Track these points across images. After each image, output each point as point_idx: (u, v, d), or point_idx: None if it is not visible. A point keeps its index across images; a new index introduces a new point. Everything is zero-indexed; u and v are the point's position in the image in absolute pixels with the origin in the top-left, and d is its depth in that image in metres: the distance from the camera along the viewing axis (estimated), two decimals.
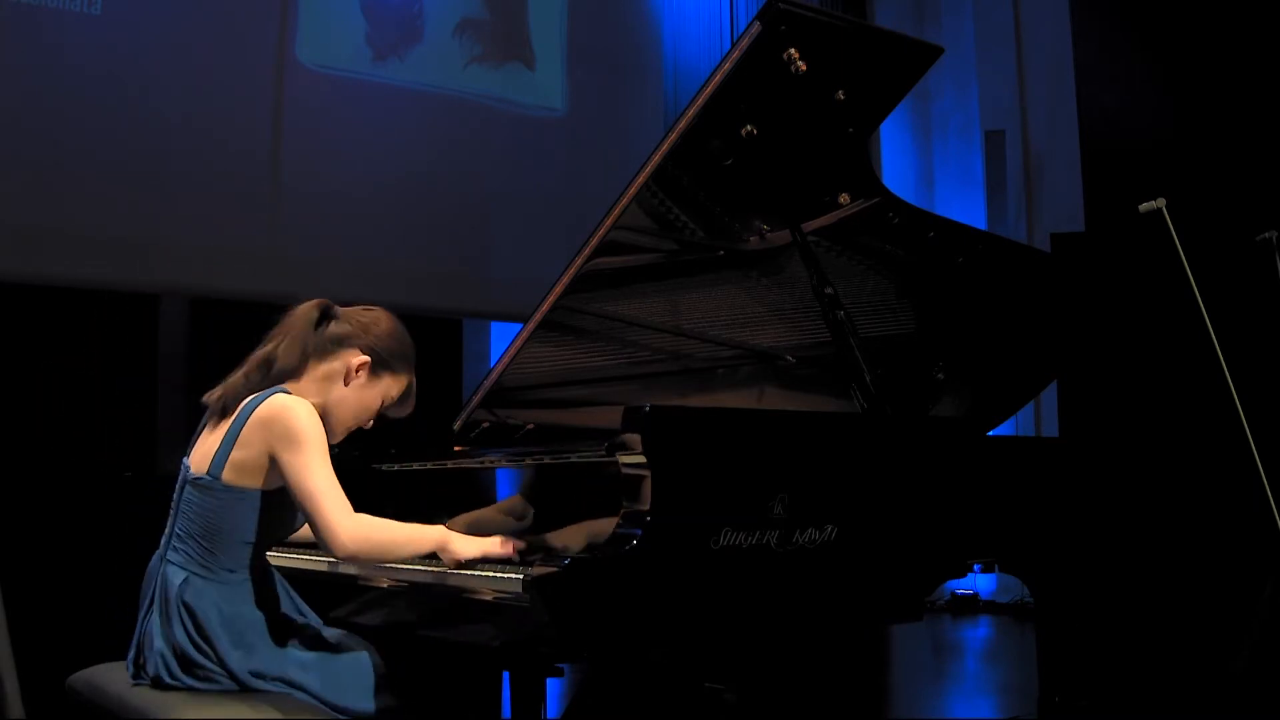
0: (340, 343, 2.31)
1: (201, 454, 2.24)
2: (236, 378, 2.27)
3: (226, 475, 2.18)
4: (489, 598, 2.15)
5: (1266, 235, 3.79)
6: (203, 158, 5.09)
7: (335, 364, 2.31)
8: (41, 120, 4.72)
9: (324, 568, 2.59)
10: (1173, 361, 4.92)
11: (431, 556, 2.27)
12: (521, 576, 2.00)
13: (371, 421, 2.40)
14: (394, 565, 2.40)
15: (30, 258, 4.67)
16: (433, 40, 5.93)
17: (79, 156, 4.79)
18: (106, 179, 4.85)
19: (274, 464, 2.17)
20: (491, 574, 2.15)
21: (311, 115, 5.47)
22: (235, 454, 2.17)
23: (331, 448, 2.71)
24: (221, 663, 2.15)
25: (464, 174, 5.97)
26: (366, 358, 2.32)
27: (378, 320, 2.37)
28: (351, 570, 2.51)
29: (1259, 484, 3.54)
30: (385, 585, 2.46)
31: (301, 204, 5.40)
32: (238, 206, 5.22)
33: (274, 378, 2.26)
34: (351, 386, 2.32)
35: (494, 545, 2.24)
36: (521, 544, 2.28)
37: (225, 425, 2.22)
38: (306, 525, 2.22)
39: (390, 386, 2.37)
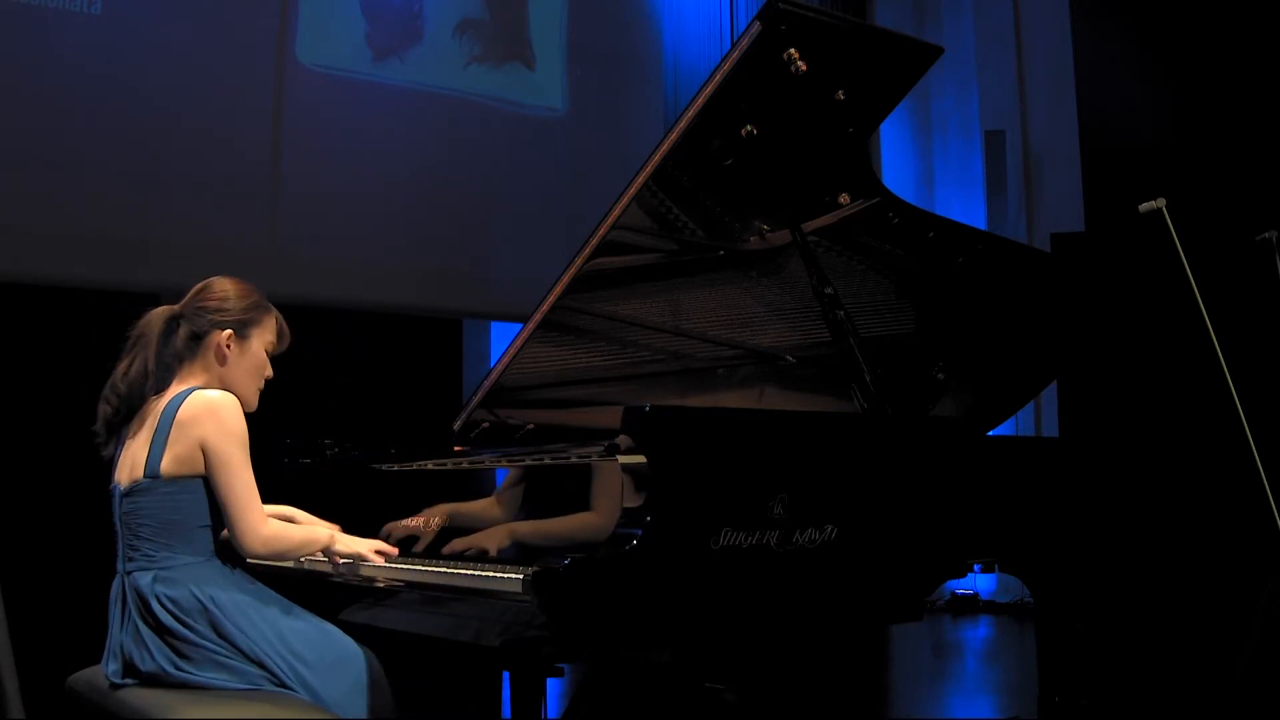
0: (198, 337, 2.40)
1: (130, 468, 2.31)
2: (109, 409, 2.37)
3: (165, 471, 2.26)
4: (489, 598, 2.15)
5: (1266, 235, 3.79)
6: (203, 158, 5.09)
7: (207, 354, 2.40)
8: (41, 120, 4.71)
9: (328, 569, 2.59)
10: (1173, 362, 4.92)
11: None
12: (521, 576, 2.00)
13: (270, 370, 2.49)
14: (395, 565, 2.41)
15: (30, 258, 4.66)
16: (433, 40, 5.93)
17: (78, 156, 4.79)
18: (106, 179, 4.85)
19: (204, 453, 2.26)
20: (491, 574, 2.15)
21: (311, 115, 5.46)
22: (169, 451, 2.26)
23: (331, 448, 2.73)
24: (217, 631, 2.18)
25: (464, 174, 5.96)
26: (228, 330, 2.40)
27: (214, 293, 2.44)
28: (349, 571, 2.51)
29: (1259, 484, 3.54)
30: (385, 585, 2.46)
31: (301, 204, 5.40)
32: (238, 206, 5.21)
33: (141, 394, 2.34)
34: (231, 360, 2.41)
35: (370, 548, 2.40)
36: (394, 551, 2.42)
37: (146, 433, 2.30)
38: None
39: (263, 335, 2.47)
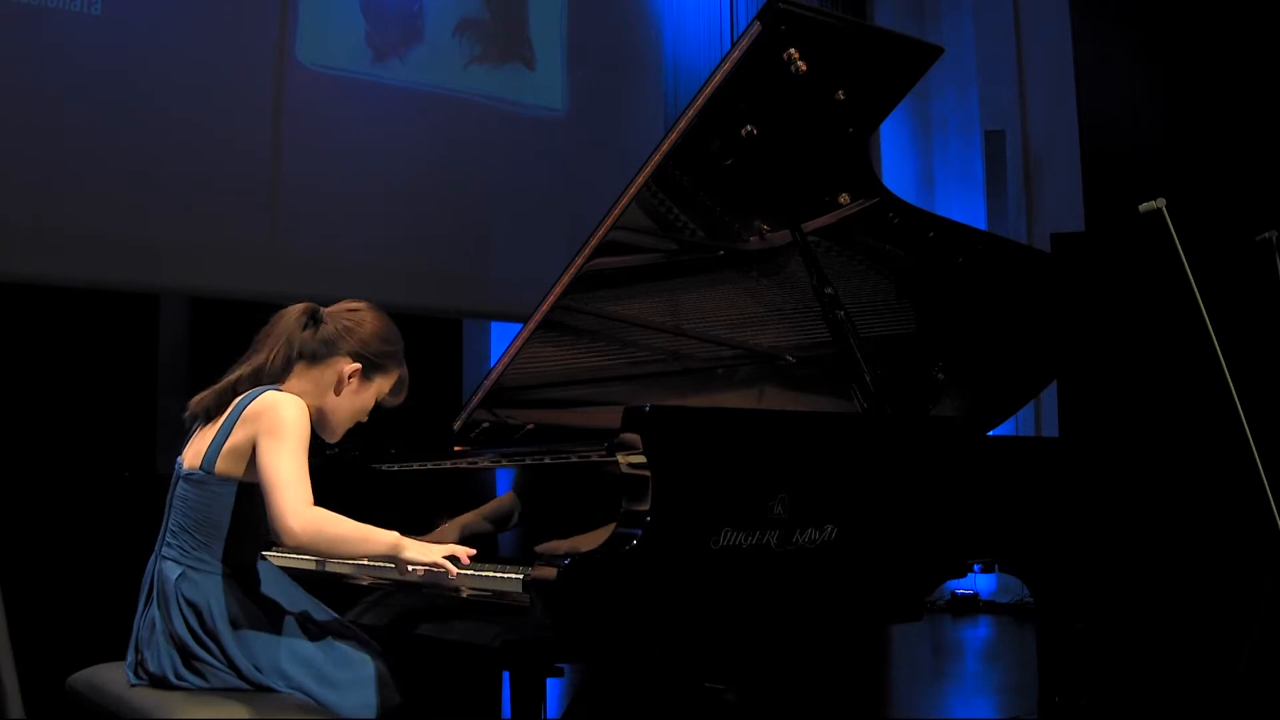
0: (330, 346, 2.33)
1: (194, 451, 2.27)
2: (224, 383, 2.31)
3: (219, 467, 2.22)
4: (489, 598, 2.15)
5: (1266, 235, 3.79)
6: (203, 158, 5.09)
7: (326, 372, 2.34)
8: (41, 120, 4.71)
9: (319, 567, 2.59)
10: (1173, 362, 4.92)
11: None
12: (521, 576, 2.00)
13: (368, 416, 2.45)
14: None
15: (30, 258, 4.66)
16: (433, 40, 5.93)
17: (79, 156, 4.79)
18: (106, 179, 4.85)
19: (255, 445, 2.20)
20: (492, 574, 2.15)
21: (311, 115, 5.46)
22: (226, 447, 2.22)
23: (331, 448, 2.72)
24: (224, 653, 2.16)
25: (464, 174, 5.96)
26: (357, 365, 2.35)
27: (363, 322, 2.38)
28: (353, 570, 2.51)
29: (1259, 484, 3.54)
30: (386, 585, 2.46)
31: (301, 204, 5.40)
32: (238, 206, 5.21)
33: (260, 380, 2.29)
34: (346, 393, 2.36)
35: (443, 553, 2.23)
36: (472, 551, 2.26)
37: (218, 423, 2.26)
38: None
39: (383, 385, 2.42)
